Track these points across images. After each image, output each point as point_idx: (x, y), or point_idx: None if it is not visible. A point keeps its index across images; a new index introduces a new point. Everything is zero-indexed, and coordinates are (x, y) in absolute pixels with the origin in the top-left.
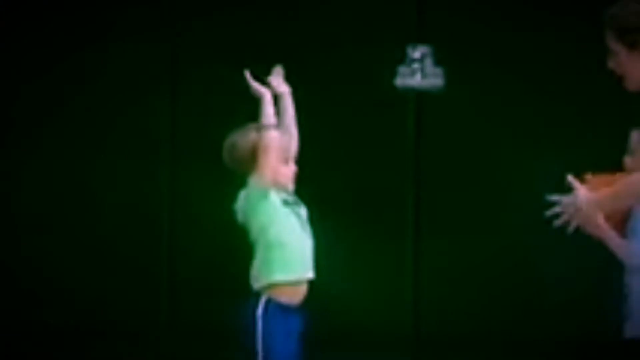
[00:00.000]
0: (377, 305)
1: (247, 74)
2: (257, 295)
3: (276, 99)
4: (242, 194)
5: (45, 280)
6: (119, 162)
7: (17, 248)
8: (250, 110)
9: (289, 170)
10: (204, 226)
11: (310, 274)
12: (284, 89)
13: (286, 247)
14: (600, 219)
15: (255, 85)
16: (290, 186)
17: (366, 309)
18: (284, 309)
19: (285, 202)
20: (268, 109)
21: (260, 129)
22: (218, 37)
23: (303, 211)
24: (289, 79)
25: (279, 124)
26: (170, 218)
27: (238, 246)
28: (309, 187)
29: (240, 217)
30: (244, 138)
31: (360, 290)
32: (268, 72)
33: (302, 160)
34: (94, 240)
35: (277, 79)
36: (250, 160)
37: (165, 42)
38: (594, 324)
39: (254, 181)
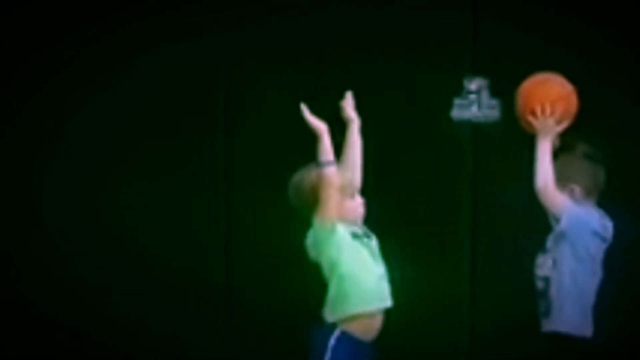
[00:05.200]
0: (433, 339)
1: (304, 109)
2: (331, 326)
3: (341, 130)
4: (310, 233)
5: (94, 312)
6: (172, 190)
7: (63, 280)
8: (307, 137)
9: (355, 204)
10: (261, 255)
11: (387, 303)
12: (354, 116)
13: (358, 279)
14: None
15: (313, 120)
16: (359, 219)
17: (423, 338)
18: (357, 343)
19: (355, 235)
20: (326, 144)
21: (321, 166)
22: (275, 69)
23: (373, 242)
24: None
25: (345, 154)
26: (226, 247)
27: (295, 275)
28: (370, 218)
29: (312, 254)
30: (304, 178)
31: (418, 318)
32: (325, 106)
33: (364, 192)
34: (147, 271)
35: (349, 105)
36: (313, 199)
37: (220, 73)
38: None
39: (318, 219)
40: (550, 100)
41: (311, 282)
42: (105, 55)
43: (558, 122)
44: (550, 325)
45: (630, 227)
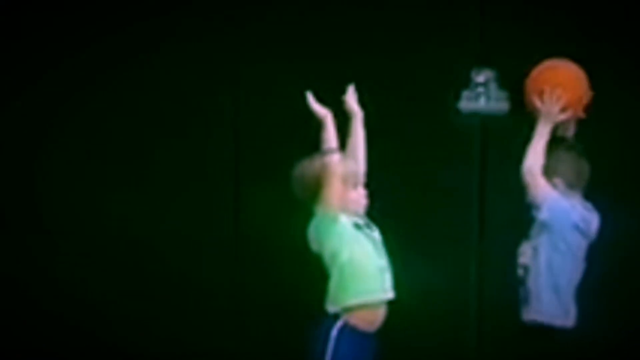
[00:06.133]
0: (441, 332)
1: (310, 96)
2: (334, 317)
3: (345, 121)
4: (313, 223)
5: (96, 312)
6: (179, 187)
7: (65, 280)
8: (314, 132)
9: (358, 195)
10: (269, 249)
11: (389, 294)
12: (357, 109)
13: (359, 270)
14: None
15: (317, 107)
16: (361, 210)
17: (430, 331)
18: (360, 334)
19: (357, 226)
20: (330, 131)
21: (324, 155)
22: (282, 64)
23: (376, 233)
24: None
25: (348, 146)
26: (234, 242)
27: (303, 269)
28: (376, 209)
29: (313, 245)
30: (308, 167)
31: (425, 313)
32: (332, 95)
33: (370, 182)
34: (153, 269)
35: (352, 98)
36: (316, 188)
37: (227, 69)
38: None
39: (321, 208)
40: (558, 84)
41: (319, 276)
42: (111, 54)
43: (562, 109)
44: (529, 313)
45: (617, 219)
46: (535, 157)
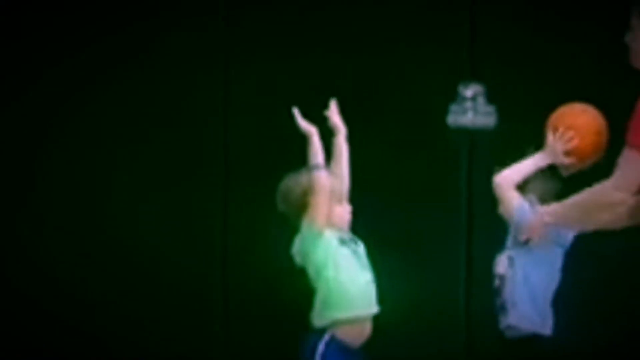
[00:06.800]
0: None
1: (296, 111)
2: (320, 331)
3: (329, 136)
4: (298, 238)
5: (88, 315)
6: (169, 193)
7: (63, 284)
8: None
9: (343, 211)
10: (258, 260)
11: (373, 309)
12: (340, 125)
13: (345, 284)
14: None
15: (303, 123)
16: (346, 226)
17: (418, 344)
18: (346, 349)
19: (342, 241)
20: (316, 147)
21: (311, 170)
22: (269, 75)
23: (360, 248)
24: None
25: (333, 163)
26: (223, 250)
27: (291, 280)
28: (362, 225)
29: (298, 260)
30: (294, 182)
31: (413, 326)
32: (318, 111)
33: (355, 198)
34: (143, 277)
35: (335, 114)
36: (302, 203)
37: (217, 82)
38: None
39: (307, 224)
40: (574, 127)
41: (306, 290)
42: (102, 55)
43: (566, 153)
44: (506, 322)
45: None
46: (512, 175)
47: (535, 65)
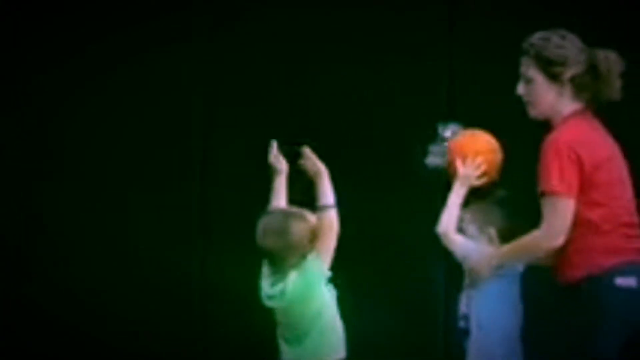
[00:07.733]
0: None
1: (274, 146)
2: None
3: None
4: (292, 277)
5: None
6: (147, 238)
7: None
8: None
9: None
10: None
11: (343, 353)
12: (322, 167)
13: (337, 330)
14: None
15: (278, 159)
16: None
17: None
18: None
19: (328, 280)
20: (283, 186)
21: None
22: (246, 113)
23: (333, 292)
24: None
25: (318, 202)
26: (201, 298)
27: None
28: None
29: (279, 301)
30: (298, 221)
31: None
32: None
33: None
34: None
35: (312, 160)
36: (307, 244)
37: (197, 120)
38: None
39: (313, 265)
40: (479, 152)
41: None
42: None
43: (479, 176)
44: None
45: None
46: (447, 223)
47: (512, 105)
